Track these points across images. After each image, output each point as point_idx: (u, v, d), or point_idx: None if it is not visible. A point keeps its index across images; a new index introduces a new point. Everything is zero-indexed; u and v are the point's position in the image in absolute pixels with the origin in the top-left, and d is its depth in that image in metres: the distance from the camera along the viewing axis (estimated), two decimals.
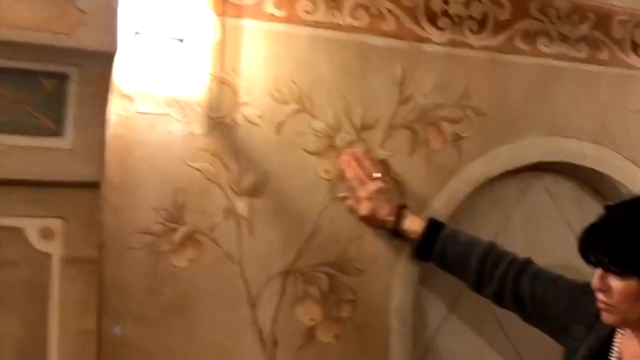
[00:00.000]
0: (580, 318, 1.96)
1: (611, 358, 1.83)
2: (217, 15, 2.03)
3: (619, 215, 1.75)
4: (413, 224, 2.20)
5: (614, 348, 1.84)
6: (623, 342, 1.83)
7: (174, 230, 2.00)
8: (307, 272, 2.14)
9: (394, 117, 2.27)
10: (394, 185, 2.24)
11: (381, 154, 2.23)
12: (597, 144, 2.58)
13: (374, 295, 2.22)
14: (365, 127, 2.22)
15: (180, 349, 1.99)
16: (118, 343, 1.91)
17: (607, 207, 1.81)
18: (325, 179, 2.18)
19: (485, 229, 2.48)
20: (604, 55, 2.59)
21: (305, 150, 2.16)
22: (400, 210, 2.19)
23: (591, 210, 2.56)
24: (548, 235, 2.61)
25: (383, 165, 2.23)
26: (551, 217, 2.64)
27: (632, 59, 2.64)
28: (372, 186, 2.15)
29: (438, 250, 2.20)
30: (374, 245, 2.22)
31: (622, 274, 1.68)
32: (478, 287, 2.21)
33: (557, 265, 2.53)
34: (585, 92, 2.57)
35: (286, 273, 2.12)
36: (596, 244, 1.71)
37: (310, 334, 2.13)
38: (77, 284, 1.79)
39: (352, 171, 2.16)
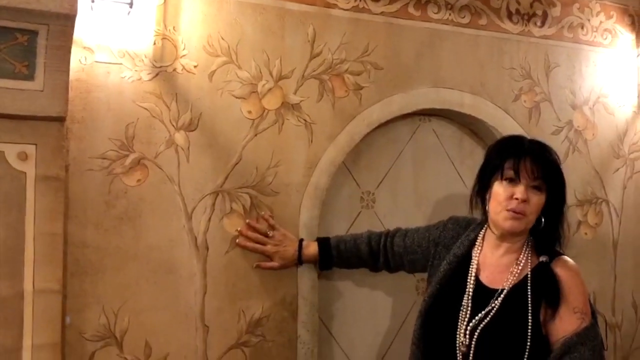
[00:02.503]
0: (439, 242, 2.18)
1: (471, 268, 2.02)
2: None
3: (547, 149, 1.98)
4: (312, 250, 2.45)
5: (473, 261, 2.04)
6: (480, 256, 2.05)
7: (126, 156, 2.24)
8: (232, 193, 2.39)
9: (306, 69, 2.51)
10: (306, 125, 2.51)
11: (294, 99, 2.48)
12: (475, 95, 2.86)
13: (286, 212, 2.49)
14: (282, 77, 2.47)
15: (130, 250, 2.24)
16: (80, 244, 2.17)
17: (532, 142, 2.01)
18: (248, 118, 2.42)
19: (381, 164, 2.80)
20: (483, 21, 2.87)
21: (232, 95, 2.39)
22: (300, 244, 2.45)
23: (469, 148, 2.96)
24: (434, 168, 2.91)
25: (295, 108, 2.50)
26: (437, 153, 2.92)
27: (507, 25, 2.93)
28: (273, 241, 2.40)
29: (335, 256, 2.45)
30: (287, 173, 2.48)
31: (542, 189, 1.93)
32: (374, 264, 2.46)
33: (441, 195, 2.90)
34: (466, 52, 2.85)
35: (216, 193, 2.37)
36: (536, 166, 1.92)
37: (235, 241, 2.39)
38: (47, 196, 2.04)
39: (251, 246, 2.39)
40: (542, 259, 1.97)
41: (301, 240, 2.47)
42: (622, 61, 3.28)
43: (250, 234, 2.40)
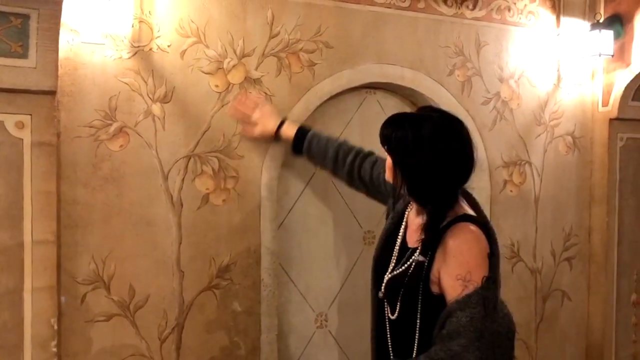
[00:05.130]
0: (392, 195, 2.25)
1: (402, 226, 2.07)
2: None
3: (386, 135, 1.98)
4: (289, 132, 2.58)
5: (404, 220, 2.09)
6: (409, 216, 2.08)
7: (109, 125, 2.41)
8: (203, 156, 2.58)
9: (266, 48, 2.69)
10: (266, 97, 2.68)
11: (255, 74, 2.67)
12: (414, 70, 3.07)
13: (250, 173, 2.68)
14: (244, 55, 2.65)
15: (115, 206, 2.43)
16: (71, 201, 2.35)
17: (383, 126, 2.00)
18: (216, 92, 2.60)
19: (332, 130, 2.95)
20: (421, 5, 3.09)
21: (201, 71, 2.57)
22: (282, 122, 2.59)
23: None
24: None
25: (257, 83, 2.68)
26: (381, 121, 2.76)
27: (442, 8, 3.15)
28: (259, 110, 2.57)
29: (306, 147, 2.56)
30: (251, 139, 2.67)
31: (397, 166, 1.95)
32: (335, 170, 2.54)
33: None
34: (406, 32, 3.05)
35: (188, 157, 2.55)
36: (382, 133, 1.98)
37: (205, 198, 2.59)
38: (41, 160, 2.20)
39: (241, 111, 2.58)
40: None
41: (284, 120, 2.62)
42: (544, 40, 3.54)
43: (242, 105, 2.58)
